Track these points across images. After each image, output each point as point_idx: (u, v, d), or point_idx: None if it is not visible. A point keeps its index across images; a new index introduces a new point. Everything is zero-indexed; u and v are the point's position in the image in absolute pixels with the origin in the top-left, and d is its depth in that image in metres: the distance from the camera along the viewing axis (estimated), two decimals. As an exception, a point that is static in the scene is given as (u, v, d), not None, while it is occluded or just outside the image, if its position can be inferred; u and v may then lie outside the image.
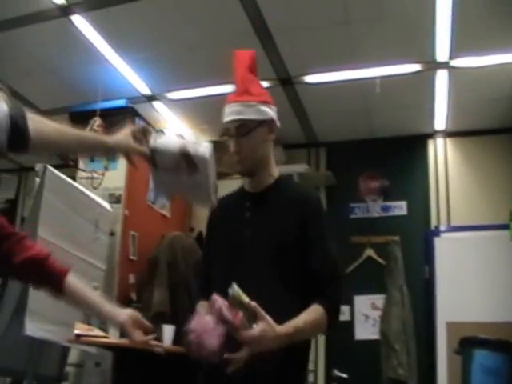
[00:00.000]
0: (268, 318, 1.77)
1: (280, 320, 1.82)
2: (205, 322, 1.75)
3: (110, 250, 4.66)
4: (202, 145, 1.91)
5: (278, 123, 2.18)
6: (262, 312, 1.76)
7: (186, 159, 1.88)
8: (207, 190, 1.93)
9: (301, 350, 2.02)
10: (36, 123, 1.75)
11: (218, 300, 1.75)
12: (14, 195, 6.82)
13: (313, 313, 1.94)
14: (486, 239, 4.92)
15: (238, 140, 2.11)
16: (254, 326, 1.74)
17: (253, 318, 1.75)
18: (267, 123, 2.15)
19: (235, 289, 1.73)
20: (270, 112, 2.16)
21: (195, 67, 4.61)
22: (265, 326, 1.76)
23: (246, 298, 1.74)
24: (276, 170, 2.24)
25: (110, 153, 2.19)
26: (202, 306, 2.03)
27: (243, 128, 2.11)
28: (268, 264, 2.03)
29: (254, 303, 1.75)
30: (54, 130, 1.78)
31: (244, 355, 1.74)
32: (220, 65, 4.52)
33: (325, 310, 1.96)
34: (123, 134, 1.93)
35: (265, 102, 2.16)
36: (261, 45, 4.20)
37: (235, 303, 1.73)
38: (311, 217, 2.10)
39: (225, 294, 1.79)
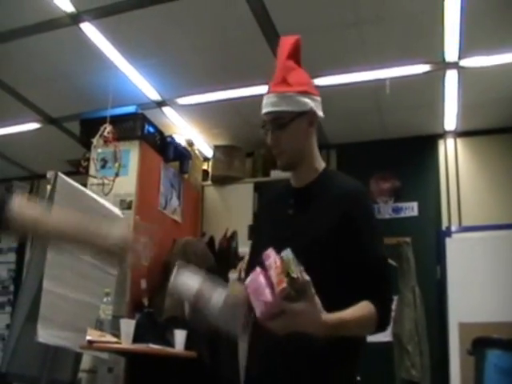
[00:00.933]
0: (317, 299, 1.58)
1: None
2: (257, 282, 1.58)
3: (122, 255, 4.67)
4: (217, 291, 1.80)
5: (320, 114, 2.07)
6: (313, 291, 1.56)
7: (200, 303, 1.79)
8: (225, 326, 1.82)
9: (349, 351, 1.90)
10: (21, 209, 1.66)
11: (270, 257, 1.58)
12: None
13: (362, 309, 1.75)
14: (497, 239, 4.89)
15: (275, 133, 2.02)
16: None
17: (301, 294, 1.53)
18: (307, 115, 2.03)
19: (287, 255, 1.53)
20: (310, 103, 2.03)
21: (205, 72, 4.63)
22: (309, 307, 1.55)
23: (295, 271, 1.50)
24: (321, 164, 2.14)
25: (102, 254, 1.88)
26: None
27: (279, 120, 2.01)
28: (309, 264, 1.71)
29: (306, 278, 1.54)
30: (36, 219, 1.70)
31: (278, 325, 1.55)
32: (229, 69, 4.59)
33: (375, 307, 1.77)
34: (121, 236, 1.79)
35: (305, 93, 2.03)
36: (270, 48, 4.20)
37: (283, 270, 1.51)
38: (357, 212, 1.95)
39: None
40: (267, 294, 1.52)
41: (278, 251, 1.63)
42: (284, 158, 2.04)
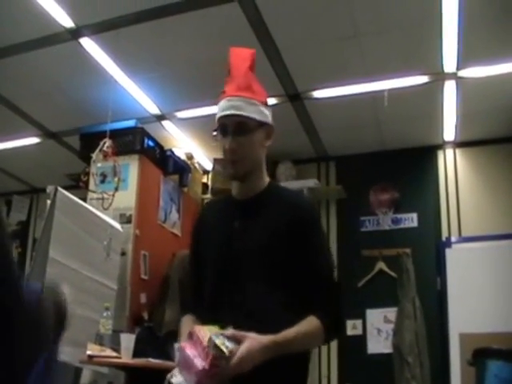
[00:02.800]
0: (249, 334, 1.66)
1: (275, 332, 1.72)
2: (186, 357, 1.65)
3: (122, 269, 4.67)
4: None
5: (273, 129, 2.02)
6: (241, 333, 1.66)
7: None
8: None
9: (299, 362, 1.90)
10: None
11: (195, 333, 1.66)
12: (25, 217, 6.87)
13: (306, 324, 1.80)
14: (497, 249, 4.90)
15: (236, 138, 1.92)
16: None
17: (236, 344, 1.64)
18: (266, 127, 2.00)
19: (214, 341, 1.59)
20: (269, 116, 2.01)
21: (203, 86, 4.63)
22: (248, 343, 1.64)
23: (224, 348, 1.59)
24: (267, 179, 2.07)
25: None
26: (186, 322, 1.99)
27: (243, 126, 1.93)
28: (259, 277, 1.87)
29: (229, 332, 1.65)
30: None
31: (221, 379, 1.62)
32: (227, 83, 4.60)
33: (320, 321, 1.81)
34: None
35: (266, 104, 2.02)
36: (268, 61, 4.23)
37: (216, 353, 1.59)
38: (305, 223, 1.94)
39: (213, 310, 1.79)
40: (197, 364, 1.59)
41: (226, 272, 1.85)
42: (241, 167, 1.95)
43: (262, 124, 1.97)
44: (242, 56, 2.09)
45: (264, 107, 2.00)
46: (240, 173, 1.98)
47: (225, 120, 1.95)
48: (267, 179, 2.07)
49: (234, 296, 1.82)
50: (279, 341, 1.71)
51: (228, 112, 1.94)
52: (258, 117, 1.96)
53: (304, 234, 1.92)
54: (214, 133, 2.01)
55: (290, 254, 1.89)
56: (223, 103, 1.97)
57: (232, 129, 1.93)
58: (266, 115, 2.00)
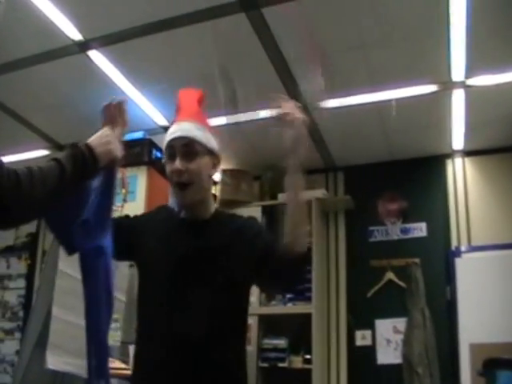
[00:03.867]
0: None
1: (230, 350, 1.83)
2: None
3: (130, 281, 4.66)
4: None
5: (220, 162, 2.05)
6: None
7: None
8: None
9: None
10: None
11: None
12: (35, 229, 6.88)
13: None
14: (507, 258, 4.89)
15: (183, 161, 1.92)
16: None
17: None
18: (214, 156, 2.00)
19: None
20: (217, 147, 2.02)
21: (211, 97, 4.63)
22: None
23: None
24: (214, 206, 2.08)
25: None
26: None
27: (190, 148, 1.93)
28: (215, 299, 1.89)
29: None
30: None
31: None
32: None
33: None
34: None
35: (214, 135, 2.04)
36: (276, 73, 4.24)
37: None
38: (254, 232, 2.00)
39: (150, 329, 1.86)
40: None
41: (179, 295, 1.87)
42: (190, 194, 1.95)
43: (209, 151, 1.98)
44: (191, 94, 2.16)
45: (212, 136, 2.02)
46: (188, 200, 1.98)
47: (172, 143, 1.96)
48: (214, 207, 2.09)
49: (188, 318, 1.85)
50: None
51: (176, 135, 1.96)
52: (205, 141, 1.97)
53: (254, 239, 1.97)
54: (163, 160, 2.03)
55: (248, 274, 1.94)
56: (172, 128, 2.00)
57: (179, 150, 1.94)
58: (215, 144, 2.02)
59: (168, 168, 1.97)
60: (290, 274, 1.88)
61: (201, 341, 1.81)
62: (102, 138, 1.76)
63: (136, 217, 2.18)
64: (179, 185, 1.95)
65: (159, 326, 1.89)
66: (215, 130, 2.08)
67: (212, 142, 2.00)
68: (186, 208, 2.03)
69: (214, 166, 2.03)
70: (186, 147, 1.94)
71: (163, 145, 2.02)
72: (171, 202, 2.08)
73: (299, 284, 1.96)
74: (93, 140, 1.73)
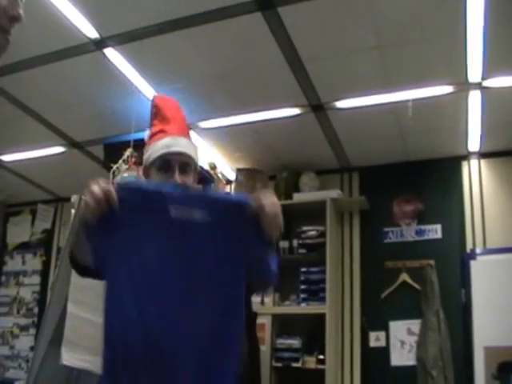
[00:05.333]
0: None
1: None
2: None
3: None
4: None
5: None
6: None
7: None
8: None
9: None
10: None
11: None
12: (50, 225, 6.94)
13: None
14: (523, 261, 4.84)
15: (181, 175, 1.99)
16: None
17: None
18: (197, 171, 2.09)
19: None
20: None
21: (227, 96, 4.66)
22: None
23: None
24: None
25: None
26: None
27: (188, 164, 2.01)
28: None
29: None
30: None
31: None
32: (251, 93, 4.62)
33: None
34: None
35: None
36: (292, 72, 4.23)
37: None
38: None
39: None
40: None
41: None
42: None
43: (195, 168, 2.06)
44: (173, 104, 2.19)
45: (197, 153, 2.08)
46: None
47: (170, 157, 1.99)
48: None
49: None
50: None
51: (175, 149, 1.99)
52: (196, 160, 2.05)
53: None
54: (155, 170, 2.03)
55: None
56: (168, 141, 2.01)
57: (178, 166, 1.98)
58: (198, 160, 2.09)
59: (162, 179, 1.99)
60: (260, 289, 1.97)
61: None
62: None
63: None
64: None
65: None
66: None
67: (198, 158, 2.09)
68: None
69: (195, 179, 2.09)
70: (185, 163, 2.00)
71: (153, 153, 2.05)
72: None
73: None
74: None
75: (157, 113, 2.14)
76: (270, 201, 1.77)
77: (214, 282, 1.77)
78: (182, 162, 2.00)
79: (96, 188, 1.64)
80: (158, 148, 2.01)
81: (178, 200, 1.74)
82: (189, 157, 2.01)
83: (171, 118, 2.10)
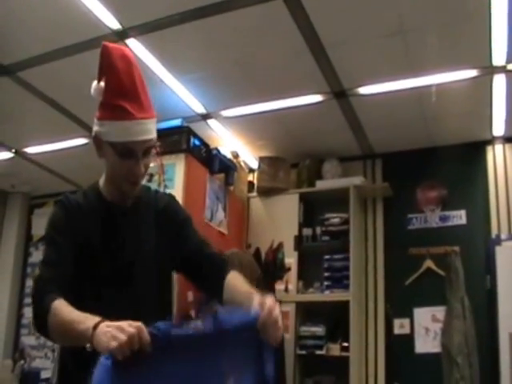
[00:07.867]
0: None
1: None
2: None
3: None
4: None
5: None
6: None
7: None
8: None
9: None
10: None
11: None
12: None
13: (240, 279, 1.92)
14: (549, 246, 4.79)
15: (144, 161, 1.90)
16: None
17: None
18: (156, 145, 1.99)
19: None
20: None
21: (248, 84, 4.65)
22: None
23: None
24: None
25: None
26: (62, 305, 1.70)
27: (150, 148, 1.91)
28: (154, 288, 2.00)
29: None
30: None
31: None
32: (273, 81, 4.61)
33: (233, 272, 1.95)
34: None
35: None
36: (314, 59, 4.21)
37: None
38: (179, 223, 2.09)
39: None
40: None
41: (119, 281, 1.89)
42: (138, 186, 1.98)
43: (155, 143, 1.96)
44: (125, 59, 1.98)
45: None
46: (136, 191, 2.00)
47: (133, 145, 1.86)
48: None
49: (131, 306, 1.81)
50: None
51: (140, 138, 1.86)
52: (156, 135, 1.94)
53: (179, 231, 2.06)
54: (115, 153, 1.90)
55: (174, 254, 2.03)
56: (131, 126, 1.85)
57: (140, 151, 1.88)
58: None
59: (124, 166, 1.89)
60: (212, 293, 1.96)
61: None
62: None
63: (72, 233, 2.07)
64: (133, 183, 1.96)
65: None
66: None
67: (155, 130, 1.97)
68: (129, 197, 2.03)
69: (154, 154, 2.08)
70: (149, 149, 1.92)
71: (111, 132, 1.90)
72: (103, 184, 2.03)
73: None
74: None
75: (109, 71, 2.01)
76: (271, 313, 1.59)
77: None
78: (148, 149, 1.91)
79: (126, 324, 1.44)
80: (119, 132, 1.86)
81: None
82: (153, 140, 1.91)
83: (126, 85, 1.94)
